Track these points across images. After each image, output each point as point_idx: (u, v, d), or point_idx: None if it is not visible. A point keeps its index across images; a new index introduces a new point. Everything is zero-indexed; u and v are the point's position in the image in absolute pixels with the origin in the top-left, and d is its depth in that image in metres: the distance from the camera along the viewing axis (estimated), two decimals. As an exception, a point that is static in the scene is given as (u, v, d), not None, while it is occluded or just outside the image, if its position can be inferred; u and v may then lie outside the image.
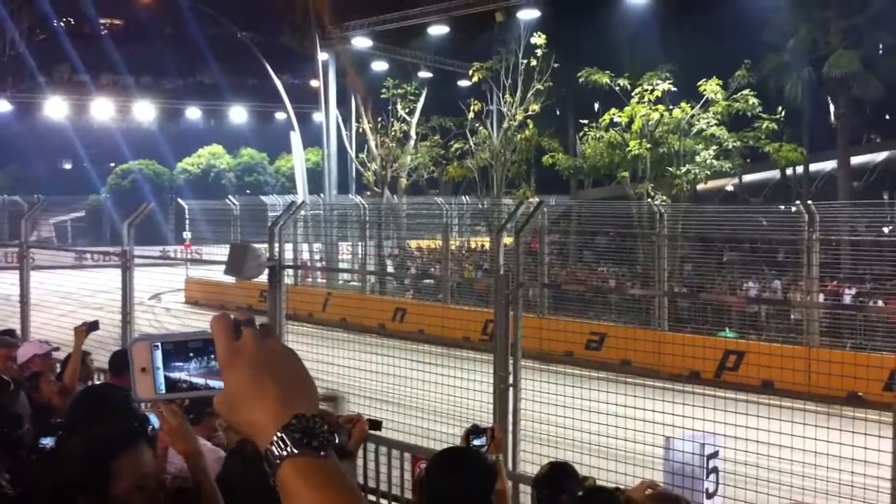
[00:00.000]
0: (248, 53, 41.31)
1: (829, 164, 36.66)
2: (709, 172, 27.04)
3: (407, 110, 35.02)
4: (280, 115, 49.94)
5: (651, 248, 21.63)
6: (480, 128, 33.12)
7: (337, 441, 1.38)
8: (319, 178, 35.50)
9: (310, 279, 28.27)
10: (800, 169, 37.17)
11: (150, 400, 1.76)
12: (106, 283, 12.47)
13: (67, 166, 64.77)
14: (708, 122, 26.31)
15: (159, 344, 1.50)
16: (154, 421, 4.12)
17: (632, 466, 7.82)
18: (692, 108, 26.52)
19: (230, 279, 9.98)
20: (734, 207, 27.67)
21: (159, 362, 1.49)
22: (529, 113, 31.57)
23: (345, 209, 30.28)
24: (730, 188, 41.18)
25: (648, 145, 26.45)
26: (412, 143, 35.40)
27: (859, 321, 17.67)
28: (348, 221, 29.45)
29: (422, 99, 35.50)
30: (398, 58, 36.68)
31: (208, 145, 58.63)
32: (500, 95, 31.84)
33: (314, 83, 37.02)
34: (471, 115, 33.02)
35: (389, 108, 35.18)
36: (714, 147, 26.42)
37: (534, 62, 30.44)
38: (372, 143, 35.08)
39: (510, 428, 7.93)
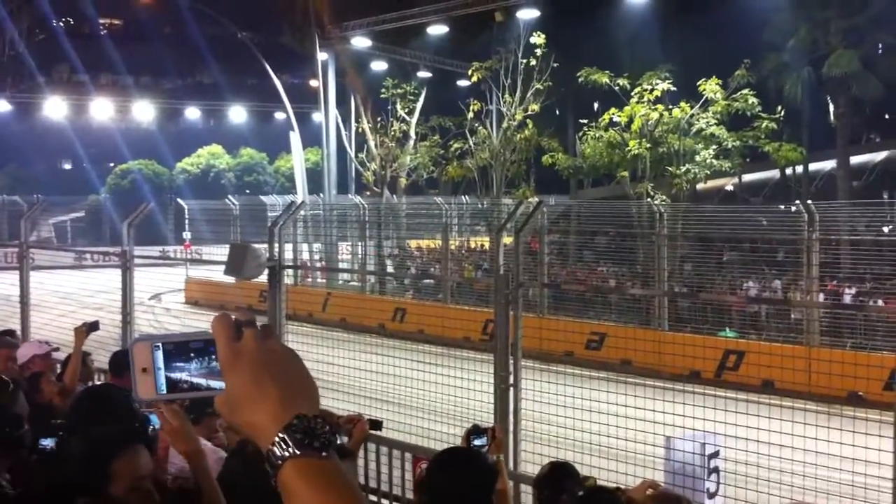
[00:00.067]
0: (248, 53, 41.31)
1: (829, 164, 36.68)
2: (708, 172, 27.05)
3: (406, 110, 35.02)
4: (279, 115, 49.94)
5: (651, 248, 21.62)
6: (480, 128, 33.12)
7: (338, 442, 1.38)
8: (319, 177, 35.50)
9: (309, 279, 28.27)
10: (799, 168, 37.18)
11: (151, 400, 1.76)
12: (106, 284, 12.46)
13: (67, 166, 64.78)
14: (707, 122, 26.32)
15: (160, 344, 1.50)
16: (155, 421, 4.12)
17: (633, 466, 7.82)
18: (692, 107, 26.53)
19: (230, 279, 9.98)
20: (734, 207, 27.70)
21: (160, 363, 1.49)
22: (529, 113, 31.56)
23: (344, 209, 30.28)
24: (729, 188, 41.20)
25: (648, 145, 26.46)
26: (412, 142, 35.40)
27: (859, 321, 17.68)
28: (348, 221, 29.45)
29: (421, 99, 35.50)
30: (397, 58, 36.67)
31: (208, 145, 58.65)
32: (500, 95, 31.83)
33: (314, 83, 37.02)
34: (470, 114, 33.01)
35: (389, 107, 35.18)
36: (714, 147, 26.43)
37: (533, 62, 30.44)
38: (371, 143, 35.08)
39: (511, 428, 7.93)
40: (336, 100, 34.59)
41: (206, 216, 32.88)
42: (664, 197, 26.33)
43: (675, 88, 26.95)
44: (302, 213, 24.63)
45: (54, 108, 55.92)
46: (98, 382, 8.18)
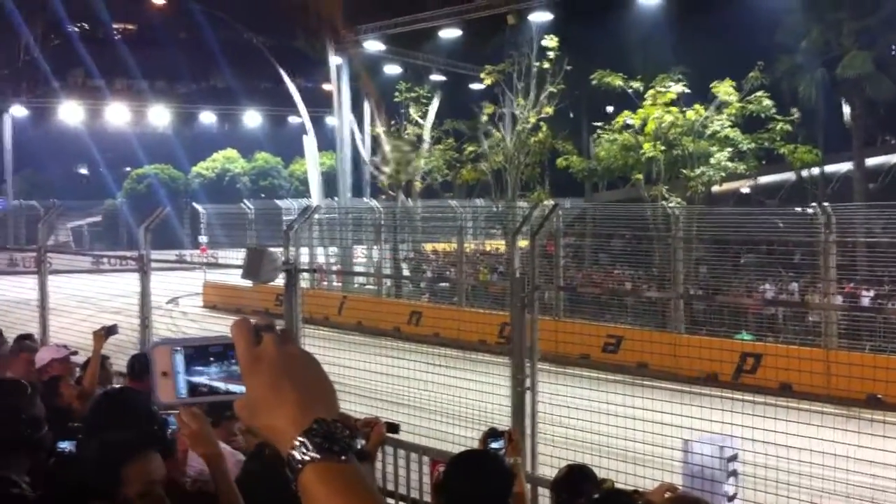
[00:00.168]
0: (262, 58, 41.49)
1: (845, 166, 36.47)
2: (723, 174, 26.98)
3: (420, 114, 35.05)
4: (294, 119, 50.09)
5: (666, 251, 21.57)
6: (494, 131, 33.12)
7: (358, 446, 1.39)
8: (334, 181, 35.57)
9: (325, 283, 28.31)
10: (815, 171, 37.00)
11: (171, 405, 1.77)
12: (123, 288, 12.51)
13: (83, 171, 65.09)
14: (722, 124, 26.25)
15: (181, 348, 1.51)
16: (174, 423, 4.14)
17: (650, 469, 7.80)
18: (706, 109, 26.46)
19: (247, 283, 10.00)
20: (749, 209, 27.58)
21: (180, 367, 1.50)
22: (543, 115, 31.54)
23: (359, 213, 30.32)
24: (745, 190, 40.99)
25: (662, 147, 26.40)
26: (426, 146, 35.43)
27: (878, 323, 17.58)
28: (363, 225, 29.49)
29: (435, 102, 35.52)
30: (411, 61, 36.72)
31: (223, 149, 58.87)
32: (513, 98, 31.83)
33: (327, 87, 37.12)
34: (484, 118, 33.02)
35: (402, 111, 35.22)
36: (728, 149, 26.36)
37: (546, 65, 30.42)
38: (385, 147, 35.12)
39: (528, 431, 7.92)
40: (350, 104, 34.66)
41: (222, 220, 32.98)
42: (679, 199, 26.27)
43: (688, 90, 26.90)
44: (317, 216, 24.69)
45: (70, 113, 56.21)
46: (117, 386, 8.21)
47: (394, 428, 6.15)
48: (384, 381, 10.33)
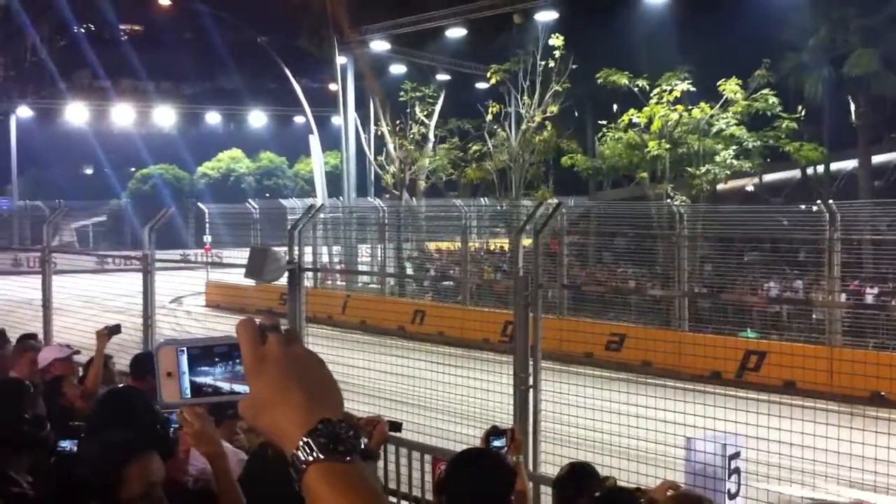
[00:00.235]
0: (267, 58, 41.50)
1: (850, 164, 36.42)
2: (728, 172, 26.96)
3: (425, 113, 35.06)
4: (299, 119, 50.11)
5: (671, 249, 21.55)
6: (499, 130, 33.12)
7: (363, 446, 1.39)
8: (338, 181, 35.59)
9: (329, 282, 28.32)
10: (820, 168, 36.93)
11: (175, 405, 1.78)
12: (127, 287, 12.54)
13: (88, 171, 65.19)
14: (727, 122, 26.22)
15: (185, 349, 1.51)
16: (177, 422, 4.15)
17: (653, 467, 7.79)
18: (711, 107, 26.43)
19: (250, 282, 10.03)
20: (754, 207, 27.51)
21: (185, 367, 1.51)
22: (548, 114, 31.54)
23: (364, 212, 30.34)
24: (750, 188, 40.96)
25: (668, 146, 26.39)
26: (430, 145, 35.43)
27: (882, 320, 17.55)
28: (367, 224, 29.50)
29: (440, 101, 35.53)
30: (416, 61, 36.72)
31: (228, 149, 58.97)
32: (518, 97, 31.83)
33: (333, 87, 37.17)
34: (489, 117, 33.02)
35: (408, 110, 35.23)
36: (734, 147, 26.32)
37: (552, 64, 30.42)
38: (390, 146, 35.13)
39: (530, 429, 7.91)
40: (355, 103, 34.68)
41: (227, 220, 32.99)
42: (684, 198, 26.25)
43: (694, 89, 26.87)
44: (321, 215, 24.70)
45: (75, 113, 56.29)
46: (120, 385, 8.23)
47: (396, 426, 6.16)
48: (387, 379, 10.34)
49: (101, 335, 7.63)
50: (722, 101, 26.44)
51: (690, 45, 30.76)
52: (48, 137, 54.86)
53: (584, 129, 38.82)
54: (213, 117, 62.70)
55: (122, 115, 57.49)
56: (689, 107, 26.67)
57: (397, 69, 37.35)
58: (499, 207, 31.19)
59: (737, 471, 7.49)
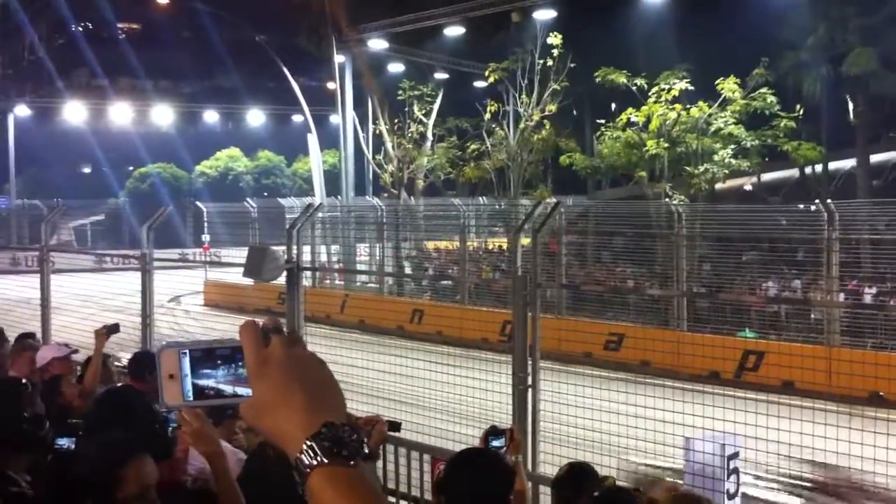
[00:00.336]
0: (265, 56, 41.49)
1: (849, 163, 36.45)
2: (727, 171, 26.95)
3: (423, 112, 35.05)
4: (297, 118, 50.10)
5: (669, 248, 21.55)
6: (497, 129, 33.11)
7: (366, 450, 1.39)
8: (337, 180, 35.58)
9: (328, 281, 28.30)
10: (818, 167, 36.96)
11: (177, 407, 1.78)
12: (126, 286, 12.53)
13: (86, 170, 65.12)
14: (726, 121, 26.22)
15: (187, 351, 1.51)
16: (175, 422, 4.14)
17: (651, 468, 7.79)
18: (710, 106, 26.43)
19: (249, 281, 10.02)
20: (753, 206, 27.53)
21: (187, 369, 1.51)
22: (546, 113, 31.53)
23: (362, 211, 30.33)
24: (748, 187, 40.98)
25: (666, 145, 26.39)
26: (429, 144, 35.43)
27: (880, 320, 17.56)
28: (365, 223, 29.49)
29: (438, 100, 35.52)
30: (414, 59, 36.72)
31: (226, 148, 58.94)
32: (517, 96, 31.82)
33: (331, 85, 37.14)
34: (487, 115, 33.02)
35: (406, 109, 35.22)
36: (732, 146, 26.33)
37: (550, 62, 30.42)
38: (389, 145, 35.12)
39: (529, 429, 7.91)
40: (353, 102, 34.66)
41: (225, 219, 32.98)
42: (682, 197, 26.25)
43: (692, 88, 26.87)
44: (320, 214, 24.67)
45: (73, 112, 56.27)
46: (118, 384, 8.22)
47: (395, 426, 6.16)
48: (386, 379, 10.34)
49: (99, 334, 7.63)
50: (720, 99, 26.45)
51: (689, 44, 30.77)
52: (46, 136, 54.81)
53: (582, 128, 38.83)
54: (211, 116, 62.68)
55: (121, 113, 57.48)
56: (688, 106, 26.67)
57: (395, 68, 37.34)
58: (497, 206, 31.18)
59: (735, 471, 7.49)
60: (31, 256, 24.32)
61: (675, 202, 24.59)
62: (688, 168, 26.49)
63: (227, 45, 55.67)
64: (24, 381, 5.36)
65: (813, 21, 32.05)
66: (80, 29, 64.08)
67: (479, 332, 16.87)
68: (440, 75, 37.72)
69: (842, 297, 18.51)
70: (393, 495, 8.03)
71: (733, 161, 26.33)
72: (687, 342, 15.84)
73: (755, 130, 26.69)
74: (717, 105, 26.46)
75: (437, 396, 9.86)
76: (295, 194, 45.26)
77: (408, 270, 28.67)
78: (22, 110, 54.45)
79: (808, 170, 36.82)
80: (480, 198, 33.19)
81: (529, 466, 7.55)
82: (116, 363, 8.04)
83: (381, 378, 10.35)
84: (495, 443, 4.96)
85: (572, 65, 30.50)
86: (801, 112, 27.23)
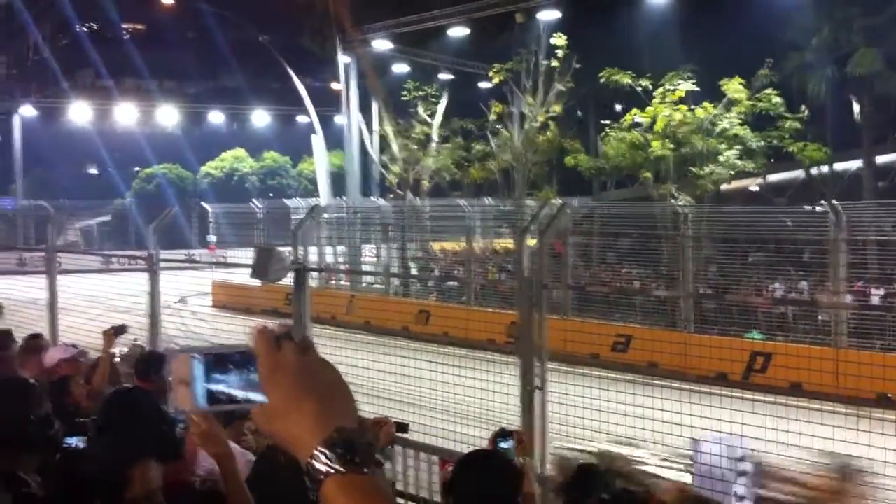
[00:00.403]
0: (270, 57, 41.54)
1: (854, 164, 36.36)
2: (732, 172, 26.91)
3: (428, 112, 35.06)
4: (302, 119, 50.12)
5: (675, 249, 21.52)
6: (502, 129, 33.10)
7: (378, 457, 1.39)
8: (342, 180, 35.60)
9: (333, 282, 28.29)
10: (824, 168, 36.90)
11: (191, 413, 1.78)
12: (132, 287, 12.52)
13: (92, 171, 65.19)
14: (731, 122, 26.19)
15: (200, 356, 1.51)
16: (183, 423, 4.13)
17: (659, 469, 7.76)
18: (715, 107, 26.40)
19: (257, 282, 10.01)
20: (759, 207, 27.48)
21: (199, 375, 1.50)
22: (551, 114, 31.52)
23: (367, 212, 30.33)
24: (754, 188, 40.89)
25: (671, 146, 26.36)
26: (434, 145, 35.42)
27: (888, 322, 17.51)
28: (371, 224, 29.48)
29: (443, 101, 35.52)
30: (419, 60, 36.74)
31: (231, 149, 58.98)
32: (522, 97, 31.81)
33: (336, 86, 37.15)
34: (492, 116, 33.01)
35: (411, 110, 35.23)
36: (737, 147, 26.30)
37: (555, 63, 30.40)
38: (394, 146, 35.12)
39: (537, 430, 7.89)
40: (358, 102, 34.68)
41: (230, 220, 33.01)
42: (688, 198, 26.22)
43: (697, 88, 26.84)
44: (325, 215, 24.68)
45: (79, 113, 56.37)
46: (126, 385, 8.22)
47: (403, 427, 6.15)
48: (393, 380, 10.32)
49: (107, 335, 7.63)
50: (725, 100, 26.42)
51: (693, 45, 30.75)
52: (52, 137, 54.93)
53: (587, 129, 38.85)
54: (216, 117, 62.75)
55: (126, 114, 57.58)
56: (693, 107, 26.64)
57: (400, 68, 37.38)
58: (503, 207, 31.17)
59: (745, 473, 7.46)
60: (37, 257, 24.32)
61: (680, 203, 24.55)
62: (693, 169, 26.45)
63: (232, 46, 55.73)
64: (32, 381, 5.36)
65: (817, 22, 32.02)
66: (85, 29, 64.22)
67: (485, 333, 16.82)
68: (445, 76, 37.73)
69: (849, 298, 18.46)
70: (401, 496, 8.03)
71: (739, 162, 26.30)
72: (694, 344, 15.78)
73: (761, 131, 26.66)
74: (722, 106, 26.42)
75: (443, 398, 9.84)
76: (300, 195, 45.29)
77: (413, 271, 28.66)
78: (27, 111, 54.59)
79: (813, 171, 36.75)
80: (486, 199, 33.19)
81: (538, 468, 7.53)
82: (115, 358, 8.01)
83: (387, 379, 10.33)
84: (504, 444, 4.95)
85: (577, 65, 30.49)
86: (807, 113, 27.21)
